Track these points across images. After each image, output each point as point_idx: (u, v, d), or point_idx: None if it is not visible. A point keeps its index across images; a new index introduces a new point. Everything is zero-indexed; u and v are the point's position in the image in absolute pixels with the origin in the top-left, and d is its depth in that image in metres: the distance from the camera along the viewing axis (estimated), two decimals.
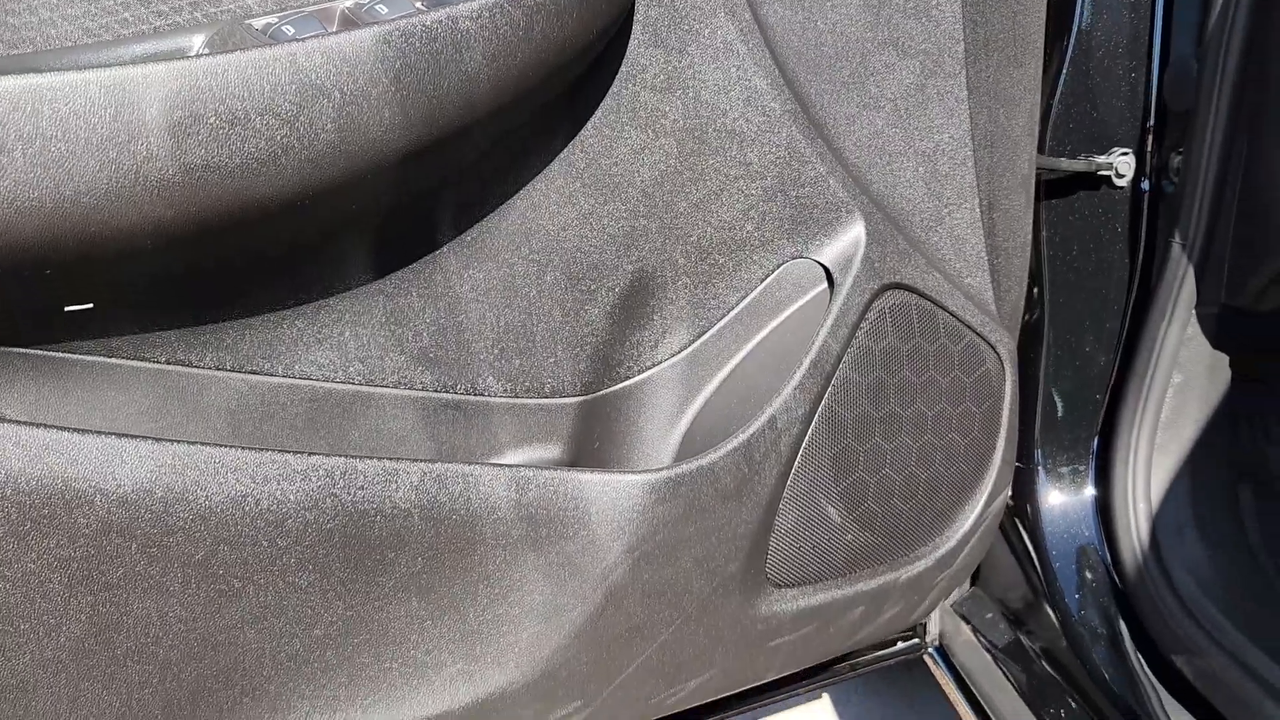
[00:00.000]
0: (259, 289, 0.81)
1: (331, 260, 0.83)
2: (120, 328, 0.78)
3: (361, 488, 0.77)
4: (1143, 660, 1.27)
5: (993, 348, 1.08)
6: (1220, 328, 1.32)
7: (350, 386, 0.88)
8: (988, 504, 1.12)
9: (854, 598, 1.07)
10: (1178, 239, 1.27)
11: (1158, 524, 1.31)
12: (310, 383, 0.86)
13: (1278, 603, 1.31)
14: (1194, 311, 1.30)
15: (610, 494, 0.86)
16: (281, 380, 0.85)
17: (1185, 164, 1.24)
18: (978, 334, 1.07)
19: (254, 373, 0.84)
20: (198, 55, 0.73)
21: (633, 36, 0.89)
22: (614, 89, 0.90)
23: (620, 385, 0.98)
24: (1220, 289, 1.28)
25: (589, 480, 0.86)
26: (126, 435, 0.69)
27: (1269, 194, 1.17)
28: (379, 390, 0.89)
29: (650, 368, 0.98)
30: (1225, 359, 1.36)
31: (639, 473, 0.88)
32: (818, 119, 0.97)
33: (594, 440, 0.98)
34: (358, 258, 0.85)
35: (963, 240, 1.07)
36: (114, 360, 0.78)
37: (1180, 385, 1.32)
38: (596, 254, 0.93)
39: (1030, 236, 1.20)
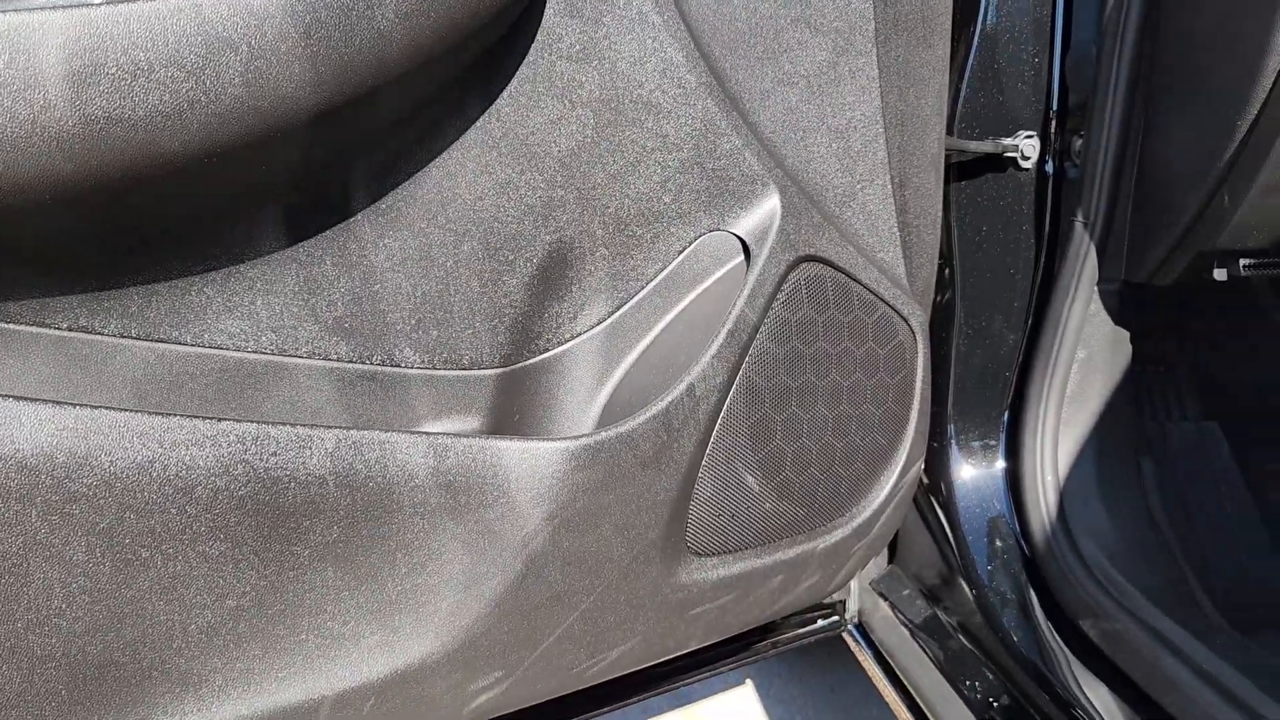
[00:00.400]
0: (166, 253, 0.79)
1: (242, 225, 0.82)
2: (18, 291, 0.75)
3: (274, 454, 0.75)
4: (1052, 627, 1.31)
5: (905, 320, 1.10)
6: (1121, 304, 1.37)
7: (262, 356, 0.86)
8: (903, 474, 1.15)
9: (773, 566, 1.08)
10: (1080, 219, 1.31)
11: (1065, 495, 1.35)
12: (220, 352, 0.84)
13: (1177, 567, 1.36)
14: (1096, 289, 1.34)
15: (530, 461, 0.86)
16: (190, 349, 0.83)
17: (1086, 146, 1.29)
18: (891, 307, 1.09)
19: (161, 341, 0.82)
20: (99, 3, 0.71)
21: (548, 5, 0.89)
22: (530, 58, 0.90)
23: (539, 357, 0.98)
24: (1121, 266, 1.33)
25: (508, 448, 0.86)
26: (25, 399, 0.66)
27: (1163, 174, 1.21)
28: (292, 360, 0.88)
29: (569, 339, 0.98)
30: (1127, 335, 1.41)
31: (558, 440, 0.88)
32: (733, 93, 0.98)
33: (513, 412, 0.98)
34: (269, 223, 0.83)
35: (875, 216, 1.10)
36: (11, 326, 0.76)
37: (1085, 361, 1.37)
38: (514, 224, 0.93)
39: (940, 215, 1.23)
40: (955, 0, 1.29)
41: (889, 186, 1.10)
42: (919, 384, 1.13)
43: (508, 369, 0.97)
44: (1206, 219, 1.16)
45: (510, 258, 0.93)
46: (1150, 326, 1.73)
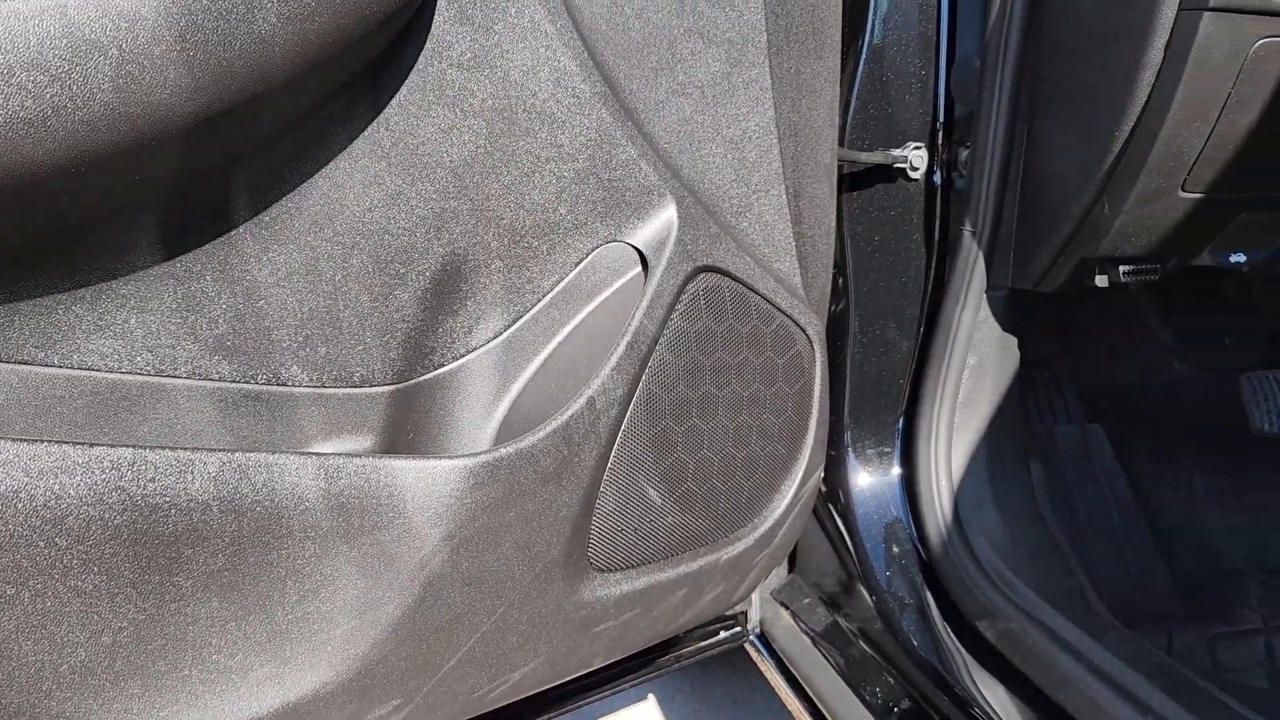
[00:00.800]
0: (29, 269, 0.75)
1: (114, 239, 0.77)
2: None
3: (152, 480, 0.71)
4: (950, 629, 1.33)
5: (803, 330, 1.11)
6: (1009, 310, 1.41)
7: (138, 377, 0.82)
8: (803, 482, 1.15)
9: (676, 580, 1.07)
10: (968, 228, 1.34)
11: (959, 498, 1.38)
12: (92, 374, 0.80)
13: (1067, 565, 1.40)
14: (985, 296, 1.38)
15: (426, 480, 0.84)
16: (58, 371, 0.78)
17: (972, 156, 1.32)
18: (788, 316, 1.09)
19: (25, 363, 0.77)
20: None
21: (438, 12, 0.87)
22: (419, 66, 0.88)
23: (434, 373, 0.95)
24: (1008, 274, 1.37)
25: (403, 467, 0.83)
26: None
27: (1046, 183, 1.25)
28: (171, 381, 0.83)
29: (465, 354, 0.96)
30: (1014, 340, 1.45)
31: (455, 457, 0.85)
32: (628, 104, 0.98)
33: (407, 430, 0.95)
34: (144, 237, 0.79)
35: (771, 226, 1.10)
36: None
37: (975, 367, 1.40)
38: (405, 237, 0.90)
39: (834, 224, 1.24)
40: (845, 13, 1.32)
41: (784, 197, 1.11)
42: (817, 392, 1.14)
43: (401, 386, 0.94)
44: (1087, 227, 1.20)
45: (401, 271, 0.91)
46: (1037, 331, 1.79)
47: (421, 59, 0.87)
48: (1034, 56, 1.23)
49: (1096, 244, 1.21)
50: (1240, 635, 1.51)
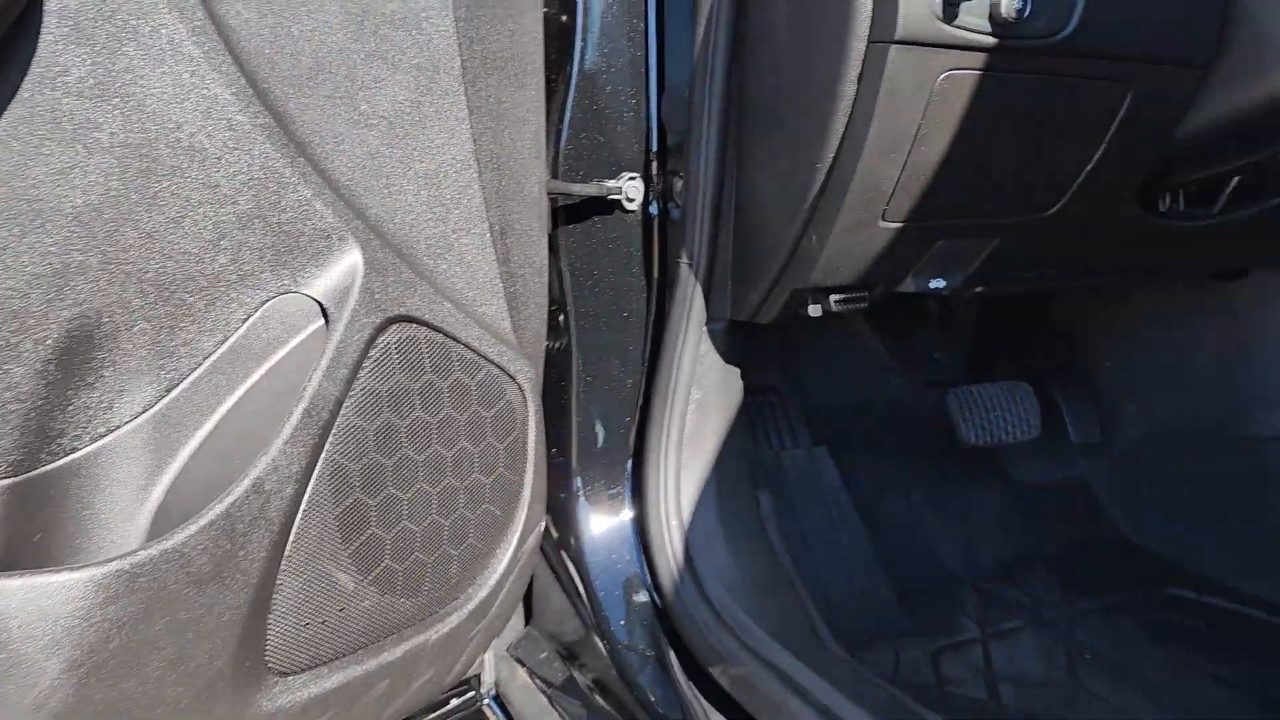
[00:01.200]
0: None
1: None
2: None
3: None
4: (687, 677, 1.28)
5: (513, 378, 1.03)
6: (730, 342, 1.39)
7: None
8: (520, 543, 1.07)
9: (377, 671, 0.95)
10: (685, 259, 1.31)
11: (690, 538, 1.34)
12: None
13: (797, 598, 1.39)
14: (705, 329, 1.35)
15: (40, 601, 0.68)
16: None
17: (685, 187, 1.28)
18: (496, 365, 1.01)
19: None
20: None
21: (45, 30, 0.72)
22: (24, 95, 0.72)
23: (65, 460, 0.79)
24: (726, 305, 1.34)
25: (7, 588, 0.67)
26: None
27: (757, 215, 1.23)
28: None
29: (105, 434, 0.81)
30: (737, 371, 1.44)
31: (80, 569, 0.70)
32: (300, 137, 0.86)
33: (33, 532, 0.78)
34: None
35: (474, 267, 1.01)
36: None
37: (700, 400, 1.37)
38: (17, 299, 0.74)
39: (545, 260, 1.17)
40: (550, 40, 1.25)
41: (488, 234, 1.02)
42: (532, 444, 1.06)
43: (21, 478, 0.78)
44: (797, 259, 1.19)
45: (14, 341, 0.75)
46: (761, 359, 1.80)
47: (26, 86, 0.72)
48: (739, 86, 1.21)
49: (807, 275, 1.20)
50: (961, 646, 1.56)
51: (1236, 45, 1.13)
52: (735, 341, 1.39)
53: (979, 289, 1.40)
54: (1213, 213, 1.42)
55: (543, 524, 1.14)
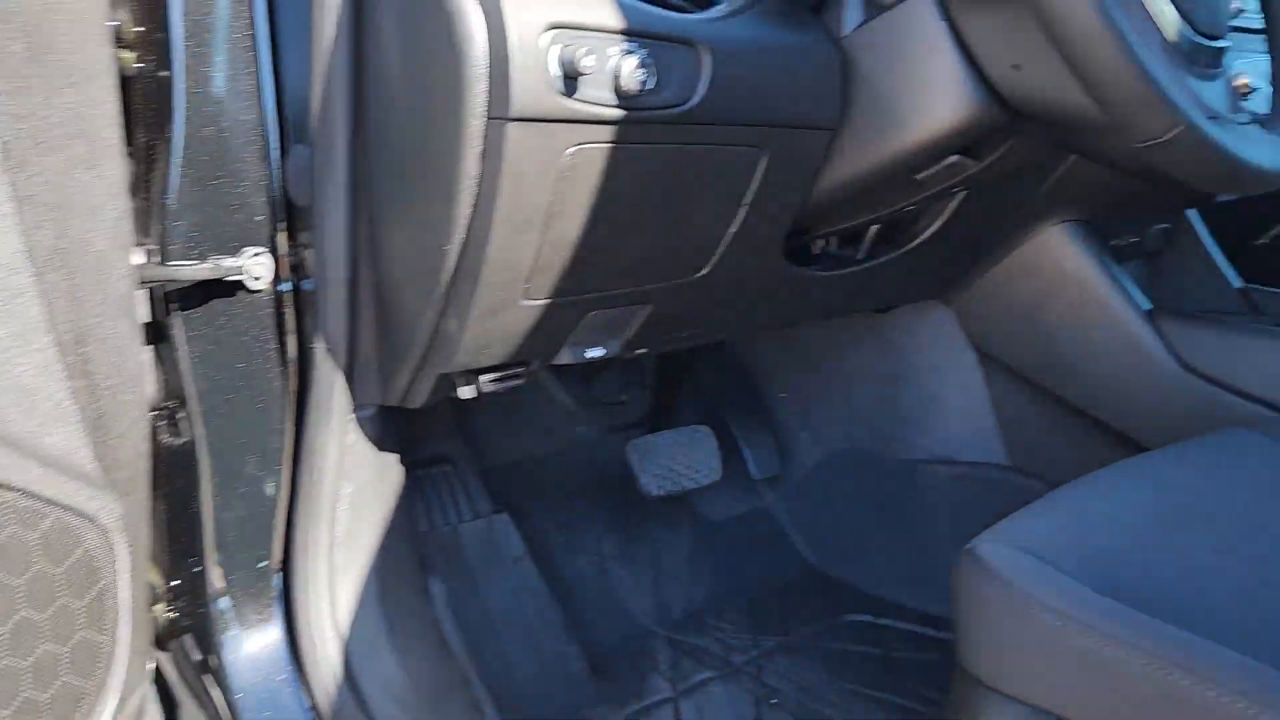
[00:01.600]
0: None
1: None
2: None
3: None
4: None
5: (91, 519, 0.86)
6: (384, 427, 1.27)
7: None
8: (116, 713, 0.90)
9: None
10: (322, 341, 1.18)
11: (350, 649, 1.21)
12: None
13: (471, 698, 1.30)
14: (353, 417, 1.22)
15: None
16: None
17: (317, 259, 1.15)
18: (66, 508, 0.84)
19: None
20: None
21: None
22: None
23: None
24: (374, 389, 1.22)
25: None
26: None
27: (394, 294, 1.12)
28: None
29: None
30: (395, 457, 1.32)
31: None
32: None
33: None
34: None
35: (33, 390, 0.84)
36: None
37: (354, 495, 1.24)
38: None
39: (141, 365, 1.00)
40: (148, 99, 1.09)
41: (52, 349, 0.86)
42: (122, 594, 0.90)
43: None
44: (438, 343, 1.09)
45: None
46: (424, 438, 1.69)
47: None
48: (365, 150, 1.09)
49: (451, 359, 1.10)
50: (652, 709, 1.52)
51: (858, 107, 1.15)
52: (391, 426, 1.28)
53: (642, 350, 1.36)
54: (856, 259, 1.46)
55: (145, 685, 0.98)
